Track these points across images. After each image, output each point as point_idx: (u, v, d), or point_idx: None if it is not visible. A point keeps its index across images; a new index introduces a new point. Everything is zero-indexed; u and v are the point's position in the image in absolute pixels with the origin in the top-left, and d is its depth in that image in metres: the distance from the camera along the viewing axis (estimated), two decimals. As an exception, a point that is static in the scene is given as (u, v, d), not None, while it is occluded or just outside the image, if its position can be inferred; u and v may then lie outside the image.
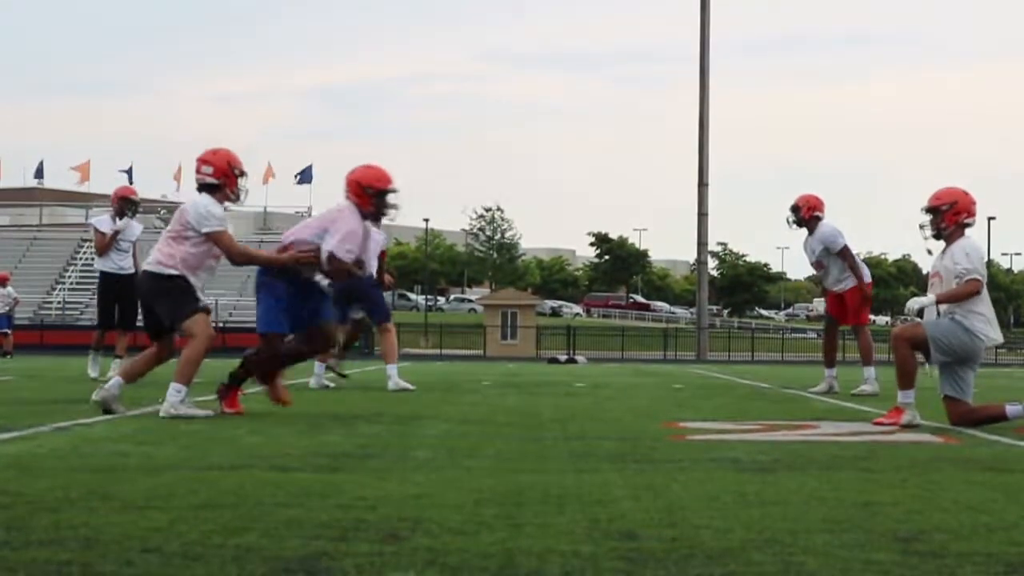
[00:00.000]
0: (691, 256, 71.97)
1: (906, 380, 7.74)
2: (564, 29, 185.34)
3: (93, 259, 48.92)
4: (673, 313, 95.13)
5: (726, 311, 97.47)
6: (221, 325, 41.93)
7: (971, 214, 7.91)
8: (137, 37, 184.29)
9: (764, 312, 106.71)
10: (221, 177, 8.05)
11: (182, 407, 7.67)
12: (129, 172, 62.24)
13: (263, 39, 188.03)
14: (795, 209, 12.31)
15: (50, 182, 68.11)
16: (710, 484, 4.52)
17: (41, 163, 64.14)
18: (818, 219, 12.26)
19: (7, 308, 29.87)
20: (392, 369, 11.95)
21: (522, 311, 54.30)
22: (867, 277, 12.40)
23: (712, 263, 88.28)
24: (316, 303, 8.26)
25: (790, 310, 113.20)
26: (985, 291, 7.83)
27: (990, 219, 73.04)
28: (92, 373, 12.95)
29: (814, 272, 12.88)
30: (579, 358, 37.35)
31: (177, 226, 7.98)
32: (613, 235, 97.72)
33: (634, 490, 4.33)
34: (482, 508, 3.84)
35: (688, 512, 3.82)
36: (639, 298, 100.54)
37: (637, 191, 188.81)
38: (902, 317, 8.29)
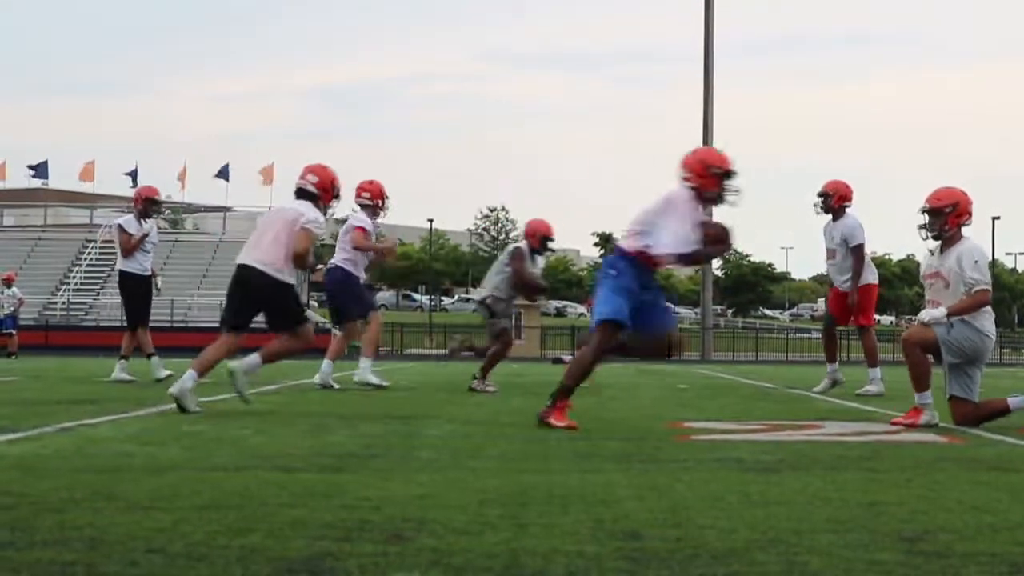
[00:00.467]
0: (695, 256, 71.81)
1: (922, 382, 7.73)
2: (564, 29, 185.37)
3: (103, 259, 48.68)
4: (677, 313, 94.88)
5: (730, 311, 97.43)
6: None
7: (970, 215, 7.92)
8: (137, 38, 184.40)
9: (768, 312, 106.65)
10: (321, 191, 8.64)
11: (244, 380, 8.30)
12: (134, 174, 62.31)
13: (263, 39, 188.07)
14: (825, 196, 12.22)
15: (54, 183, 68.22)
16: (714, 484, 4.52)
17: (45, 162, 64.07)
18: (845, 208, 12.23)
19: (12, 309, 29.92)
20: (365, 362, 11.89)
21: (526, 311, 54.06)
22: (872, 279, 12.33)
23: (716, 263, 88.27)
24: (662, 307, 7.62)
25: (794, 310, 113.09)
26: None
27: (994, 219, 72.82)
28: (161, 373, 12.73)
29: (827, 260, 12.66)
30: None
31: (287, 227, 8.39)
32: (617, 235, 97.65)
33: (638, 490, 4.33)
34: (486, 508, 3.84)
35: (692, 512, 3.82)
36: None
37: (640, 191, 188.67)
38: (911, 318, 8.28)
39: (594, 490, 4.31)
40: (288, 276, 8.45)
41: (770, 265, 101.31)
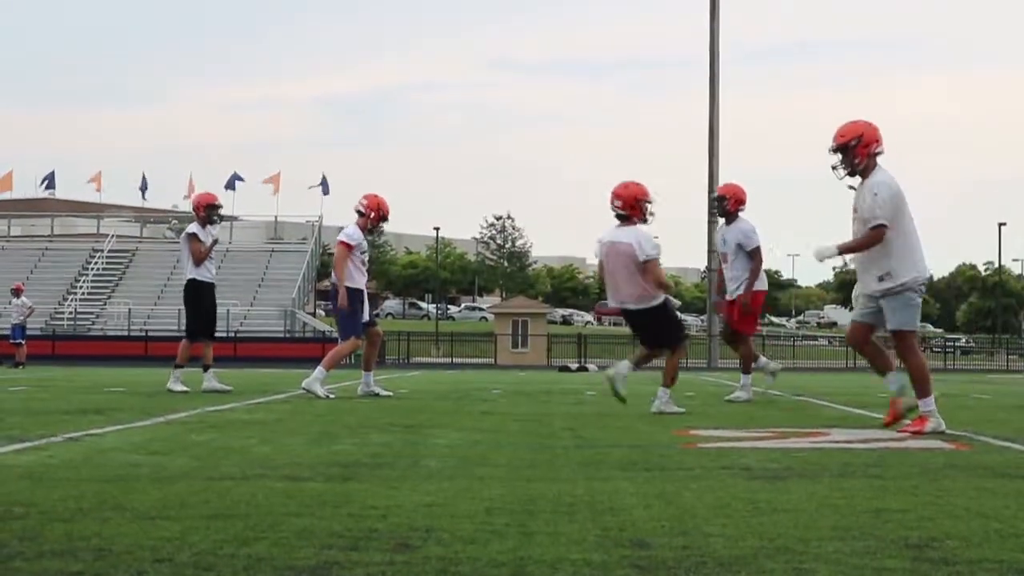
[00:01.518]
0: (701, 263, 71.89)
1: (924, 388, 7.67)
2: (570, 36, 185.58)
3: (109, 269, 48.67)
4: (684, 320, 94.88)
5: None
6: (233, 335, 42.02)
7: (879, 142, 7.71)
8: (143, 47, 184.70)
9: (775, 319, 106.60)
10: (628, 209, 9.63)
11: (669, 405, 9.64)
12: (143, 185, 62.46)
13: (270, 48, 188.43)
14: (721, 199, 12.15)
15: (61, 193, 68.36)
16: (721, 492, 4.52)
17: (51, 173, 64.20)
18: (739, 213, 12.13)
19: (22, 318, 29.97)
20: (320, 371, 11.83)
21: (533, 319, 54.23)
22: (762, 285, 12.21)
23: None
24: None
25: (801, 317, 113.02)
26: (906, 222, 7.65)
27: (1000, 225, 72.73)
28: (177, 387, 12.59)
29: (722, 264, 12.43)
30: (590, 366, 37.34)
31: (631, 264, 9.51)
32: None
33: (645, 498, 4.33)
34: (493, 517, 3.85)
35: (699, 520, 3.82)
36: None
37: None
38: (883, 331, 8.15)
39: (601, 498, 4.31)
40: (657, 298, 9.62)
41: (777, 272, 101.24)
